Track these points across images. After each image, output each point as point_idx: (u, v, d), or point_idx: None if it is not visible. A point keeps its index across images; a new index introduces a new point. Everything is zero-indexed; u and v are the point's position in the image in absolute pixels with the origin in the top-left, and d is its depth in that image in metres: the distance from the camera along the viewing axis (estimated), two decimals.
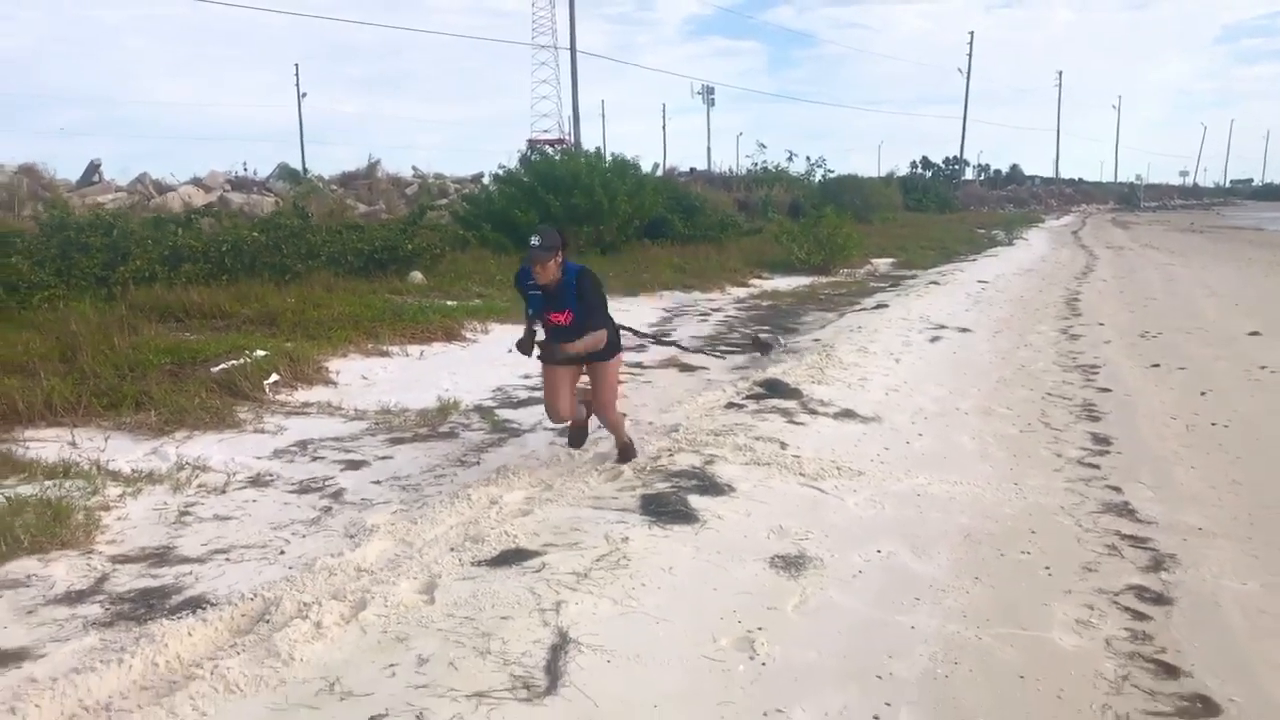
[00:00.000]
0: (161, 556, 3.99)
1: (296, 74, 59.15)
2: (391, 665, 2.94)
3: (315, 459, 5.43)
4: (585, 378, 5.23)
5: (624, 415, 5.48)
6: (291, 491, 4.85)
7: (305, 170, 25.68)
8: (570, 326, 4.88)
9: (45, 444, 5.42)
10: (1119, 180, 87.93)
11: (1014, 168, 76.62)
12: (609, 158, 19.63)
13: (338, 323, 9.05)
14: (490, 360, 8.41)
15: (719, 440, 5.50)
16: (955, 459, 5.49)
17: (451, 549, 3.91)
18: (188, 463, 5.15)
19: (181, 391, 6.36)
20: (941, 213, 40.89)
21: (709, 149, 56.77)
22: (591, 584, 3.50)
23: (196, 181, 24.76)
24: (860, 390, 7.07)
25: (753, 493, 4.68)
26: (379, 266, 12.90)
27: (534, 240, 4.78)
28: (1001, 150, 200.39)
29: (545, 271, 4.75)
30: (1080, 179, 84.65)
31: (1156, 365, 8.50)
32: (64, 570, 3.81)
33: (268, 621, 3.24)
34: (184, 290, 9.98)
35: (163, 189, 23.77)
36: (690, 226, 19.57)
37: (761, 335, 7.69)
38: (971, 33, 59.57)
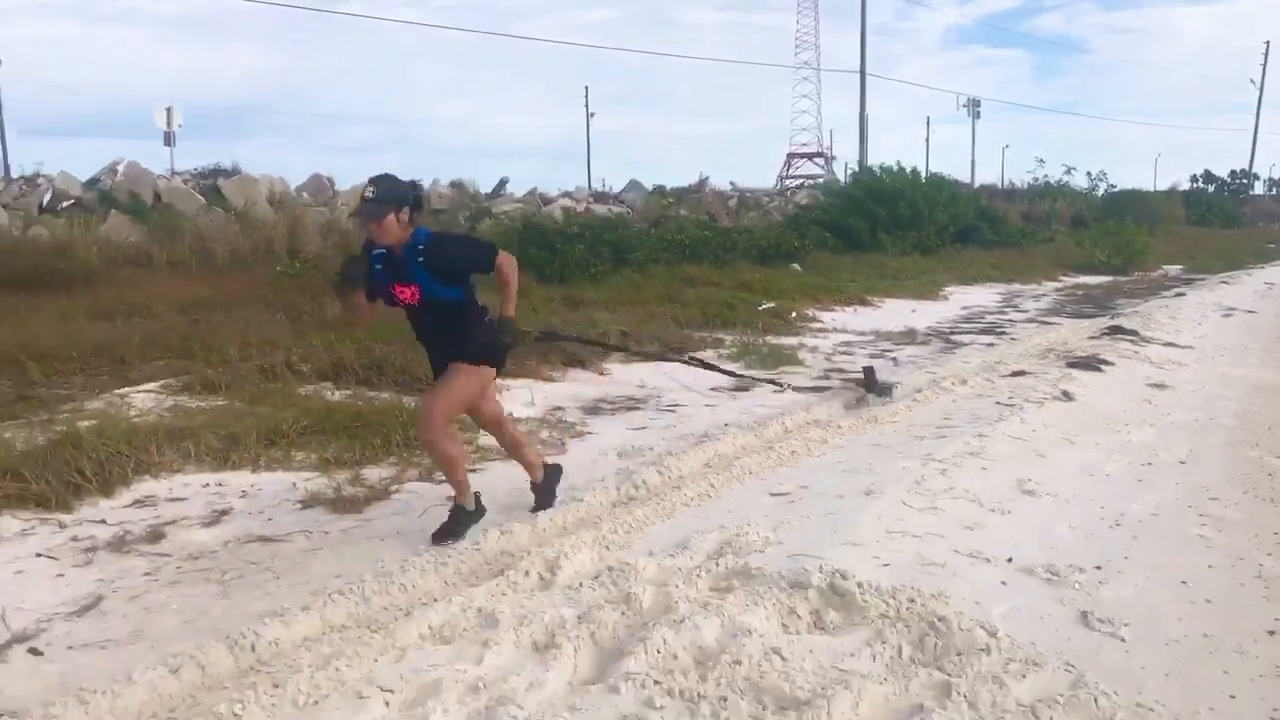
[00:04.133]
0: (840, 372, 8.59)
1: (586, 96, 65.95)
2: (979, 404, 7.29)
3: (859, 350, 9.97)
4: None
5: (460, 456, 4.19)
6: (871, 355, 9.31)
7: (651, 185, 31.25)
8: (421, 306, 3.99)
9: (703, 335, 10.24)
10: None
11: None
12: (924, 175, 23.63)
13: (789, 290, 13.71)
14: (904, 314, 12.81)
15: (1093, 349, 9.53)
16: (1245, 364, 9.24)
17: (977, 373, 8.24)
18: (802, 344, 9.84)
19: (755, 318, 11.12)
20: (1226, 228, 41.37)
21: (973, 161, 58.33)
22: (1063, 382, 7.69)
23: (566, 194, 30.98)
24: (1176, 334, 10.83)
25: (1126, 367, 8.72)
26: (768, 259, 17.62)
27: (367, 191, 3.85)
28: None
29: (383, 234, 3.86)
30: None
31: None
32: (813, 366, 8.52)
33: (935, 385, 7.70)
34: (676, 268, 15.01)
35: (546, 200, 30.10)
36: (996, 234, 23.20)
37: (877, 376, 7.50)
38: (1267, 42, 57.89)
